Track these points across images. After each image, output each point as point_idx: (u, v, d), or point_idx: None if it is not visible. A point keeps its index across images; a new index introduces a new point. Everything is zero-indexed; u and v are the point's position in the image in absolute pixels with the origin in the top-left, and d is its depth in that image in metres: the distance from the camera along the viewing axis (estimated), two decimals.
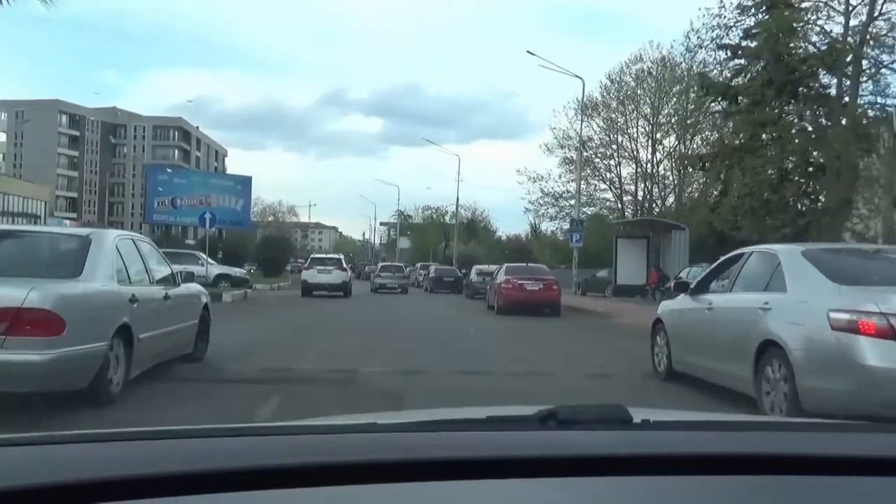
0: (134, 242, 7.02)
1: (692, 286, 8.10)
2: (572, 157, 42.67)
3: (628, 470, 1.01)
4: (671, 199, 40.62)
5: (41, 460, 0.95)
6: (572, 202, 44.16)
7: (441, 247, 72.04)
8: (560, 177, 43.47)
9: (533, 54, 30.29)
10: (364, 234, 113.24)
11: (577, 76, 31.25)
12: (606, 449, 1.04)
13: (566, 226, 51.28)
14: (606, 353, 11.57)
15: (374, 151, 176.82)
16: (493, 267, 32.39)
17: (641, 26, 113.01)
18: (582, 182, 42.85)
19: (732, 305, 6.73)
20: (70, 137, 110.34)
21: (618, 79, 40.36)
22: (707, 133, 36.09)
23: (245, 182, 42.88)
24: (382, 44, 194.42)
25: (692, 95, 35.80)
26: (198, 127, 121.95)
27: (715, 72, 28.47)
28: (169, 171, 42.67)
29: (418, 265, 50.65)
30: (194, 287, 8.38)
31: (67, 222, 79.16)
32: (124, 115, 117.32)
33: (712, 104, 31.28)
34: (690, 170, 33.74)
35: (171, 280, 7.56)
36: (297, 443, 1.08)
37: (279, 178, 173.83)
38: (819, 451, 1.10)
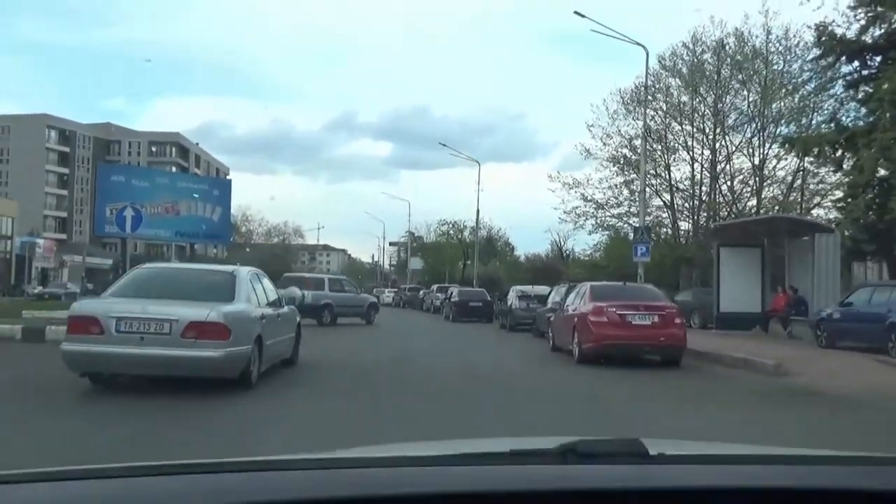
0: (258, 276, 9.86)
1: None
2: (622, 154, 34.95)
3: (645, 502, 1.03)
4: (751, 202, 32.54)
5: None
6: (615, 212, 36.53)
7: (459, 266, 64.15)
8: (601, 182, 35.65)
9: (582, 16, 22.32)
10: (373, 257, 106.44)
11: (638, 44, 23.31)
12: (624, 482, 1.07)
13: (605, 238, 43.84)
14: None
15: (384, 175, 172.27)
16: (539, 289, 24.61)
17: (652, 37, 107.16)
18: (631, 186, 35.21)
19: None
20: (59, 154, 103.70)
21: (685, 55, 32.64)
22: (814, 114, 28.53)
23: (223, 186, 35.20)
24: (390, 67, 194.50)
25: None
26: (197, 143, 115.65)
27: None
28: (126, 170, 34.83)
29: (434, 287, 42.73)
30: (292, 308, 11.05)
31: (41, 241, 72.25)
32: (118, 130, 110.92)
33: (831, 70, 23.66)
34: (803, 158, 25.83)
35: (278, 303, 10.17)
36: (327, 477, 1.09)
37: (289, 203, 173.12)
38: (831, 485, 1.11)
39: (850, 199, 21.00)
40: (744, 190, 33.71)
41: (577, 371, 11.73)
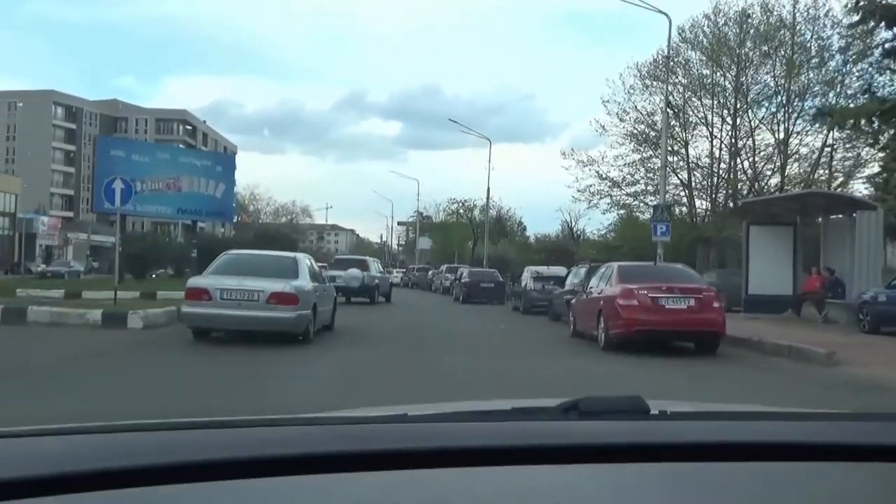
0: (310, 260, 13.09)
1: None
2: (640, 131, 33.64)
3: (646, 457, 1.03)
4: (773, 179, 31.23)
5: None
6: (631, 190, 35.26)
7: (469, 246, 63.00)
8: (616, 160, 34.31)
9: None
10: (381, 237, 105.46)
11: (661, 12, 21.95)
12: (625, 437, 1.07)
13: (619, 218, 42.40)
14: None
15: (393, 154, 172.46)
16: (555, 269, 23.50)
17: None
18: (648, 163, 33.91)
19: None
20: (66, 131, 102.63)
21: (706, 27, 31.19)
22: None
23: (227, 161, 34.11)
24: (401, 46, 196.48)
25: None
26: (205, 121, 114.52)
27: None
28: (125, 144, 33.70)
29: (444, 268, 41.66)
30: (331, 286, 14.40)
31: (45, 219, 71.41)
32: (125, 107, 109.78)
33: (868, 38, 22.31)
34: (834, 132, 24.52)
35: (323, 281, 13.14)
36: (333, 432, 1.12)
37: (298, 182, 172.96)
38: (828, 440, 1.11)
39: (884, 175, 19.73)
40: (765, 167, 32.40)
41: (604, 359, 10.64)
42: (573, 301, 14.07)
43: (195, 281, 11.73)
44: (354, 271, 23.36)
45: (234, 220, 44.65)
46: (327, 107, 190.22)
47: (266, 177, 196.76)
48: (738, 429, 1.21)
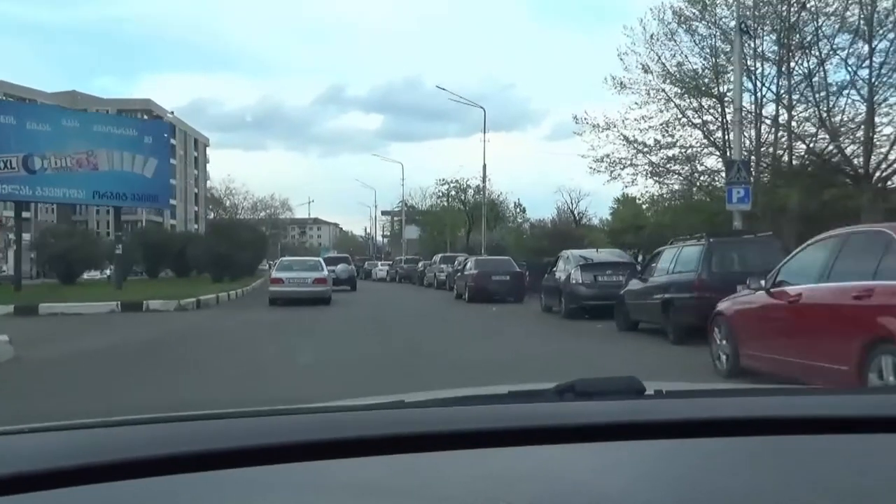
0: (323, 260, 24.87)
1: None
2: (680, 77, 26.70)
3: (643, 435, 1.04)
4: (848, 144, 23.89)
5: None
6: (668, 153, 28.26)
7: (460, 234, 56.23)
8: (639, 121, 27.31)
9: None
10: (366, 230, 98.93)
11: None
12: (621, 416, 1.07)
13: (642, 188, 35.18)
14: None
15: (375, 147, 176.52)
16: (609, 254, 16.85)
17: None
18: (684, 117, 27.11)
19: None
20: None
21: None
22: None
23: (157, 130, 26.84)
24: (380, 39, 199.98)
25: None
26: (172, 112, 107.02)
27: None
28: (16, 108, 26.16)
29: (437, 258, 34.83)
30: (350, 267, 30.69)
31: None
32: (84, 98, 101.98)
33: None
34: None
35: (330, 272, 23.48)
36: (332, 420, 1.13)
37: (281, 178, 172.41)
38: (820, 413, 1.13)
39: None
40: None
41: None
42: (731, 310, 7.21)
43: (276, 274, 21.02)
44: (345, 266, 30.08)
45: (190, 208, 37.63)
46: (308, 102, 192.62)
47: (249, 174, 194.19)
48: (732, 405, 1.22)
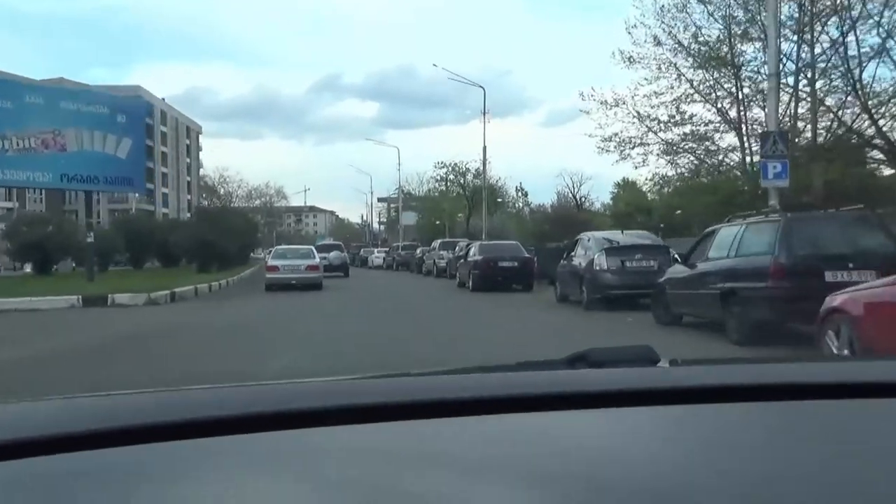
0: (316, 248, 26.75)
1: None
2: (696, 49, 24.65)
3: (656, 401, 1.02)
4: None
5: None
6: (683, 131, 26.22)
7: (459, 219, 54.28)
8: (650, 97, 25.21)
9: None
10: (363, 217, 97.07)
11: None
12: (635, 383, 1.06)
13: (653, 169, 32.84)
14: None
15: (371, 135, 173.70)
16: (633, 234, 14.94)
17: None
18: (700, 93, 25.10)
19: None
20: None
21: None
22: None
23: (133, 108, 24.74)
24: (375, 26, 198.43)
25: None
26: (163, 98, 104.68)
27: None
28: None
29: (436, 244, 32.89)
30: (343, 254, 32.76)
31: None
32: (71, 85, 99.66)
33: None
34: None
35: (322, 259, 24.62)
36: (336, 387, 1.12)
37: (278, 166, 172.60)
38: (835, 379, 1.13)
39: None
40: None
41: None
42: (862, 302, 5.25)
43: (271, 261, 22.21)
44: (338, 254, 31.85)
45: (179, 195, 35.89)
46: (303, 90, 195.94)
47: (245, 163, 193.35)
48: (747, 372, 1.22)
